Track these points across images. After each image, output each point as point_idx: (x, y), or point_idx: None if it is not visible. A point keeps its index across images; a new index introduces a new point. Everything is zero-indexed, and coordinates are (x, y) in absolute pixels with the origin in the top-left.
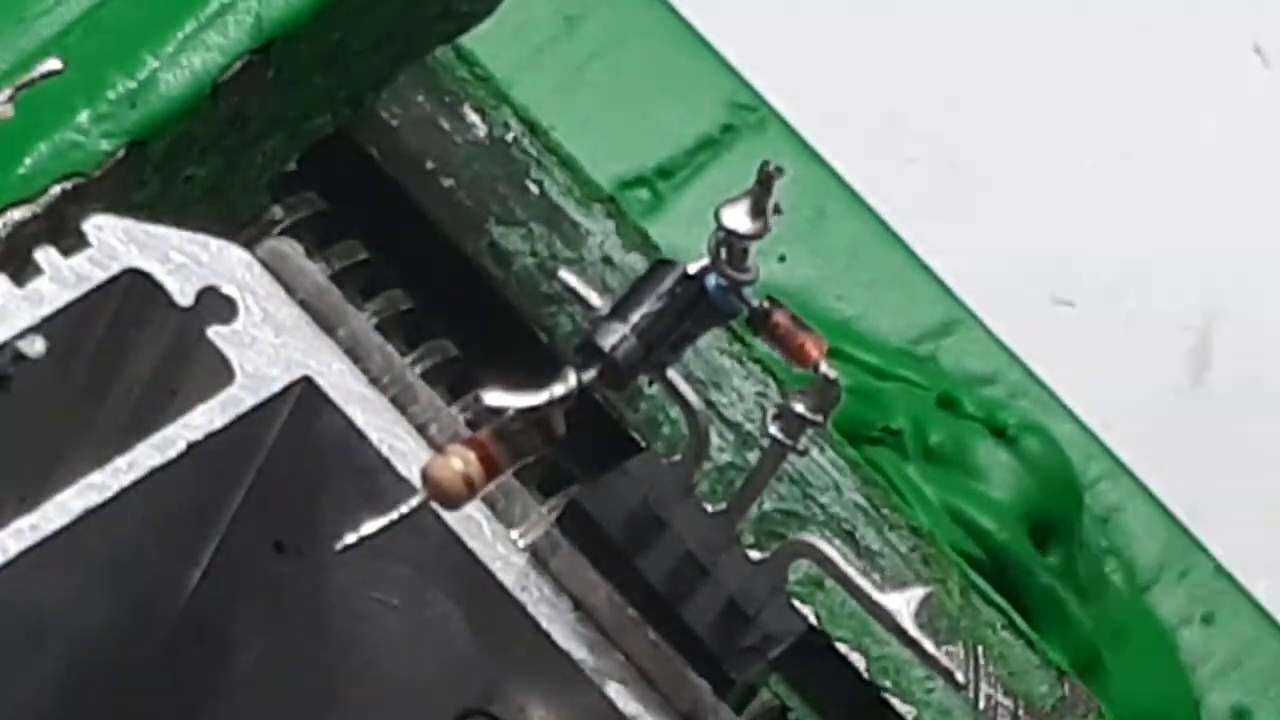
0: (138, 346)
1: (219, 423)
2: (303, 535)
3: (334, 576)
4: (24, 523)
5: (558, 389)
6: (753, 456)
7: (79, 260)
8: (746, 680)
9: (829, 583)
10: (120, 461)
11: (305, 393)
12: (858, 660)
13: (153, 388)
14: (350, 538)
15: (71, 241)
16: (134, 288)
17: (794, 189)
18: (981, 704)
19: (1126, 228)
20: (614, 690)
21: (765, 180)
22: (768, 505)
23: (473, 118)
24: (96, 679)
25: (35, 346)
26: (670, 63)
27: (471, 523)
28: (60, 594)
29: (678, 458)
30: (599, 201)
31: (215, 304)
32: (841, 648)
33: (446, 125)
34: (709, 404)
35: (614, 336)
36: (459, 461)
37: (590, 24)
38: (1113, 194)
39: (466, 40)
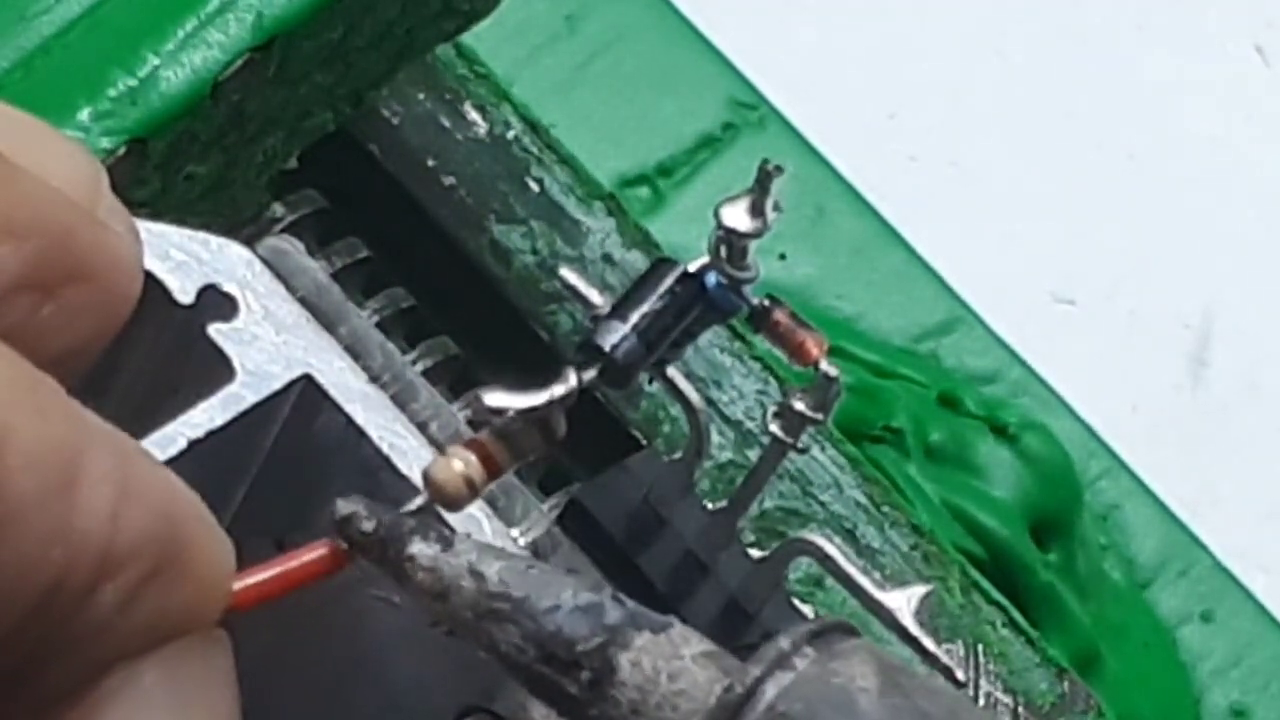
0: (138, 344)
1: (219, 420)
2: (303, 533)
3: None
4: None
5: (558, 389)
6: (753, 454)
7: None
8: None
9: (829, 581)
10: None
11: (306, 390)
12: None
13: (153, 385)
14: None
15: None
16: None
17: (795, 187)
18: (981, 701)
19: (1126, 227)
20: None
21: (764, 179)
22: (768, 503)
23: (473, 115)
24: None
25: None
26: (671, 61)
27: (472, 521)
28: None
29: (678, 455)
30: (599, 199)
31: (216, 301)
32: None
33: (447, 123)
34: (709, 402)
35: (614, 336)
36: (460, 463)
37: (591, 22)
38: (1113, 194)
39: (467, 38)
